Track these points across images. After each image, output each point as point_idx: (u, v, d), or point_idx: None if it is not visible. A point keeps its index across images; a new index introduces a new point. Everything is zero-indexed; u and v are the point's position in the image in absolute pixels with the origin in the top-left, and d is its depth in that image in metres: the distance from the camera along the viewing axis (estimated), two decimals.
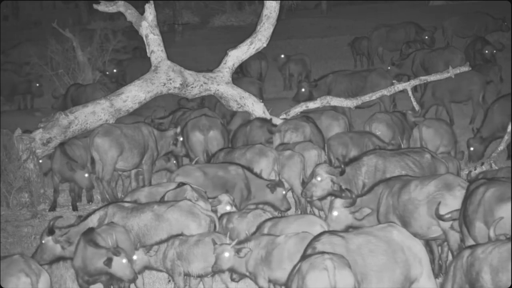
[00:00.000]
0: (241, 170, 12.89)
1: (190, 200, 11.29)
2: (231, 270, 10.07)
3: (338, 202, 10.89)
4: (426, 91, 20.09)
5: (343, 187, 11.54)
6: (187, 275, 10.64)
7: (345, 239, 8.67)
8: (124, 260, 10.00)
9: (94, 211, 11.24)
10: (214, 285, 10.79)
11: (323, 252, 8.18)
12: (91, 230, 10.35)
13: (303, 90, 20.89)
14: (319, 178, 11.92)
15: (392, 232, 8.90)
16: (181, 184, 12.01)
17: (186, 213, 10.88)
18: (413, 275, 8.84)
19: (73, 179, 14.98)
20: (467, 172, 14.55)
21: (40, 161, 15.66)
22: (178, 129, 15.87)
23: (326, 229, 9.85)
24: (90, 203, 15.54)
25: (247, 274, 9.96)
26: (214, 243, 9.95)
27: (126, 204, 11.21)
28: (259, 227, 10.44)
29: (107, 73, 24.13)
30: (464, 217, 10.07)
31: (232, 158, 13.72)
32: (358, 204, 10.88)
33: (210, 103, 19.34)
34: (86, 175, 14.80)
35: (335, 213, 10.85)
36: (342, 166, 12.01)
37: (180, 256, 10.51)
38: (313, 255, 8.20)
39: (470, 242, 9.94)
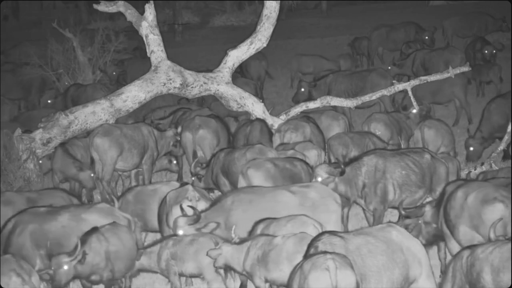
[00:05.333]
0: (305, 165, 12.92)
1: (191, 200, 11.31)
2: (228, 268, 10.16)
3: (182, 220, 10.91)
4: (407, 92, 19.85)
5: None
6: (181, 274, 10.67)
7: (344, 240, 8.67)
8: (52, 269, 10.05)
9: (8, 220, 10.93)
10: (216, 285, 10.77)
11: (325, 252, 8.19)
12: (95, 229, 10.38)
13: (302, 90, 20.87)
14: (319, 179, 11.91)
15: (391, 233, 8.91)
16: (183, 184, 12.01)
17: (105, 216, 10.86)
18: (412, 275, 8.85)
19: (78, 178, 15.01)
20: (467, 172, 14.57)
21: (40, 161, 15.66)
22: (179, 129, 15.87)
23: (319, 229, 9.88)
24: (90, 203, 15.53)
25: (244, 273, 10.00)
26: (216, 243, 10.03)
27: (41, 209, 11.06)
28: (252, 229, 10.46)
29: (114, 73, 23.92)
30: (446, 221, 10.21)
31: (232, 158, 13.72)
32: (203, 219, 10.90)
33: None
34: (92, 175, 14.85)
35: (180, 232, 10.88)
36: (342, 166, 12.00)
37: (175, 256, 10.54)
38: (315, 254, 8.20)
39: (453, 243, 10.17)
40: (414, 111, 16.81)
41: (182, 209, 11.03)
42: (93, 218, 10.78)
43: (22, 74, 23.85)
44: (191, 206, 11.03)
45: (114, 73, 24.02)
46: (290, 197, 10.88)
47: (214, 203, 11.16)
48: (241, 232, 10.52)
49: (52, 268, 9.99)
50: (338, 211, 10.85)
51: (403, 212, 10.76)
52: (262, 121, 16.31)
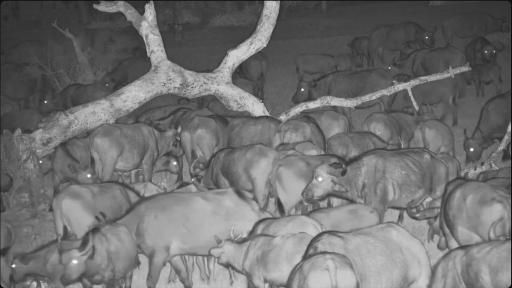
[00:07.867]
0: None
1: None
2: (230, 266, 10.20)
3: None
4: (397, 93, 19.73)
5: None
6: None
7: (344, 240, 8.67)
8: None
9: None
10: (214, 285, 10.77)
11: (324, 252, 8.18)
12: (96, 229, 10.40)
13: (302, 90, 20.87)
14: (320, 179, 11.89)
15: (391, 233, 8.91)
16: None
17: None
18: (412, 275, 8.85)
19: (76, 179, 15.00)
20: (465, 172, 14.57)
21: (40, 161, 15.66)
22: (178, 129, 15.86)
23: (319, 230, 9.87)
24: None
25: (244, 273, 10.01)
26: (219, 241, 10.02)
27: None
28: (253, 229, 10.46)
29: (106, 85, 23.61)
30: (446, 221, 10.23)
31: (232, 158, 13.69)
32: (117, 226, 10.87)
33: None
34: (89, 175, 14.81)
35: None
36: (344, 166, 11.98)
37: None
38: (314, 255, 8.20)
39: (454, 242, 10.17)
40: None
41: (98, 219, 10.97)
42: None
43: (22, 74, 23.84)
44: (101, 213, 11.00)
45: (107, 84, 23.42)
46: (203, 204, 10.80)
47: (129, 210, 11.07)
48: (152, 239, 10.60)
49: (62, 262, 9.99)
50: (255, 219, 10.67)
51: (417, 215, 10.72)
52: (273, 119, 16.18)
